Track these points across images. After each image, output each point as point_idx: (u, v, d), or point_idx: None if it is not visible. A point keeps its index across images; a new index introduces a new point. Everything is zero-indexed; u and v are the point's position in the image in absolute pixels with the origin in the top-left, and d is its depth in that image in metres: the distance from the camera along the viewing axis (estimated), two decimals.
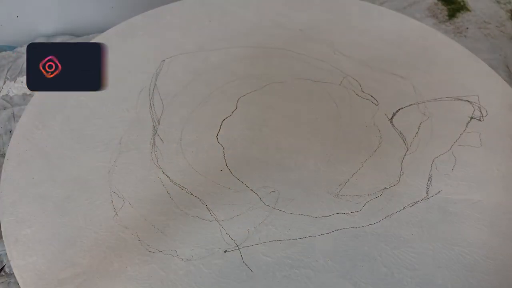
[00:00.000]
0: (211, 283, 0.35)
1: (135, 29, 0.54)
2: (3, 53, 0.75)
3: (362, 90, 0.47)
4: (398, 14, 0.57)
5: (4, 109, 0.65)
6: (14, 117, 0.62)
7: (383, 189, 0.40)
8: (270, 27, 0.54)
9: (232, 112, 0.45)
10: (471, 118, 0.44)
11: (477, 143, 0.43)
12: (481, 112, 0.44)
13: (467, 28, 0.72)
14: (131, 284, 0.34)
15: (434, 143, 0.43)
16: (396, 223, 0.38)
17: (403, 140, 0.43)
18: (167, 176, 0.40)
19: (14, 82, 0.68)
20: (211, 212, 0.38)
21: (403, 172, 0.42)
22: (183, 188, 0.39)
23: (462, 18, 0.72)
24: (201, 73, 0.48)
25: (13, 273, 0.35)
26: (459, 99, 0.46)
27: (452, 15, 0.71)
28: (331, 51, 0.52)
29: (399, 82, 0.50)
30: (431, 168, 0.41)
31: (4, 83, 0.69)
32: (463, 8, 0.73)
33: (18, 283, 0.34)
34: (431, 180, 0.41)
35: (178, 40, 0.52)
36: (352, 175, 0.41)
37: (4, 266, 0.45)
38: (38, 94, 0.46)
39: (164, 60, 0.49)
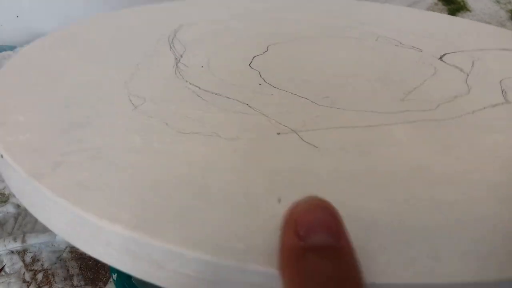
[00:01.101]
0: (266, 158, 0.37)
1: None
2: (3, 53, 1.02)
3: (401, 44, 0.68)
4: None
5: None
6: None
7: (454, 97, 0.50)
8: None
9: (263, 53, 0.60)
10: None
11: None
12: None
13: None
14: (160, 158, 0.36)
15: (489, 79, 0.58)
16: (480, 122, 0.46)
17: (461, 70, 0.57)
18: (196, 86, 0.52)
19: None
20: (254, 109, 0.49)
21: (471, 87, 0.54)
22: (218, 94, 0.51)
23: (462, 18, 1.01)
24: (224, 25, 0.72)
25: (13, 273, 0.44)
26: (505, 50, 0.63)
27: (452, 14, 1.00)
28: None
29: (435, 42, 0.69)
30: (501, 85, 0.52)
31: None
32: (463, 8, 1.03)
33: (18, 283, 0.42)
34: (505, 94, 0.50)
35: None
36: (415, 88, 0.53)
37: (4, 266, 0.52)
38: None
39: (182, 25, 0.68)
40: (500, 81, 0.55)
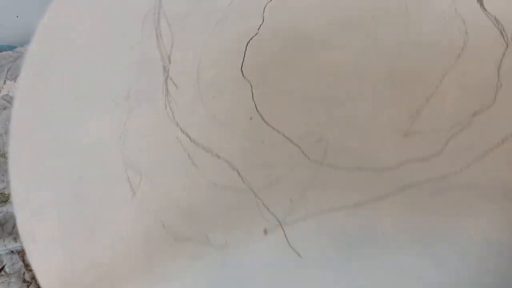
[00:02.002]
0: (252, 275, 0.42)
1: None
2: (3, 53, 1.05)
3: None
4: None
5: (4, 109, 0.91)
6: None
7: (473, 115, 0.44)
8: None
9: (258, 29, 0.54)
10: None
11: None
12: None
13: None
14: (160, 285, 0.44)
15: None
16: (492, 166, 0.42)
17: (501, 31, 0.45)
18: (187, 134, 0.48)
19: (14, 82, 0.95)
20: (243, 179, 0.45)
21: (501, 84, 0.45)
22: (207, 150, 0.47)
23: None
24: None
25: (13, 273, 0.49)
26: None
27: None
28: None
29: None
30: None
31: (4, 83, 0.98)
32: None
33: (18, 283, 0.47)
34: None
35: None
36: (428, 98, 0.46)
37: (4, 266, 0.58)
38: (36, 43, 0.62)
39: None
40: None
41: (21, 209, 0.51)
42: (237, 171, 0.44)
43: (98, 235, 0.46)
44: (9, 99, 0.95)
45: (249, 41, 0.50)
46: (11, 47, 1.05)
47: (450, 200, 0.41)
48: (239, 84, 0.48)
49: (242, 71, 0.49)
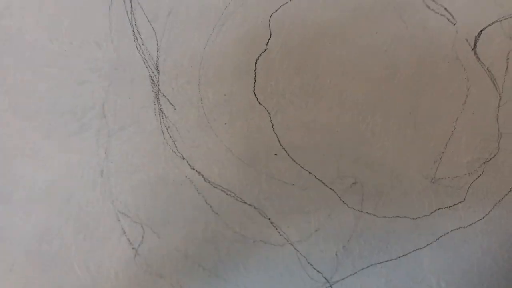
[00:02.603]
0: None
1: None
2: None
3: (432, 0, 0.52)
4: None
5: None
6: None
7: (484, 163, 0.48)
8: None
9: (267, 43, 0.48)
10: None
11: None
12: None
13: None
14: None
15: None
16: (506, 213, 0.47)
17: (493, 83, 0.51)
18: (199, 172, 0.39)
19: None
20: (279, 230, 0.39)
21: (501, 134, 0.50)
22: (229, 193, 0.39)
23: None
24: None
25: None
26: None
27: None
28: None
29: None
30: None
31: None
32: None
33: None
34: None
35: None
36: (447, 143, 0.49)
37: None
38: None
39: None
40: None
41: None
42: (270, 220, 0.38)
43: None
44: None
45: (258, 58, 0.42)
46: None
47: (477, 245, 0.46)
48: (254, 111, 0.42)
49: (255, 94, 0.41)
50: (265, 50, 0.46)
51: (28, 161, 0.38)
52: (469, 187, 0.46)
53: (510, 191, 0.47)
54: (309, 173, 0.43)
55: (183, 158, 0.40)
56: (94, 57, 0.41)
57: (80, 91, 0.40)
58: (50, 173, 0.37)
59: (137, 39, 0.43)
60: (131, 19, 0.43)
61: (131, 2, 0.44)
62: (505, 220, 0.45)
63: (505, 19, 0.55)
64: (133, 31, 0.43)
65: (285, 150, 0.43)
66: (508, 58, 0.52)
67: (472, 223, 0.45)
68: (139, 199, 0.38)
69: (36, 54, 0.40)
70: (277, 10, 0.48)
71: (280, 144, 0.43)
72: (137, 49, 0.42)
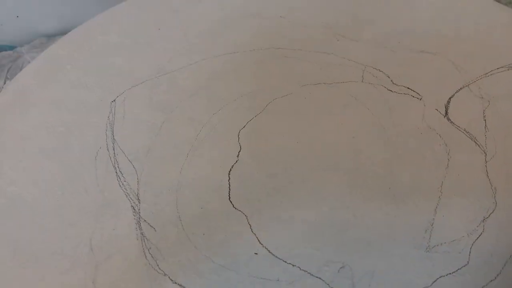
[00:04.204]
0: None
1: (59, 60, 0.65)
2: (3, 52, 1.09)
3: (393, 83, 0.55)
4: None
5: None
6: None
7: (483, 221, 0.48)
8: (241, 18, 0.68)
9: (238, 155, 0.54)
10: None
11: None
12: None
13: None
14: None
15: None
16: None
17: (474, 141, 0.55)
18: (180, 285, 0.42)
19: None
20: None
21: (495, 189, 0.51)
22: None
23: None
24: (173, 108, 0.60)
25: None
26: None
27: None
28: (331, 37, 0.60)
29: (434, 61, 0.63)
30: None
31: (5, 83, 0.99)
32: None
33: None
34: None
35: (123, 66, 0.63)
36: (435, 208, 0.49)
37: None
38: None
39: (114, 100, 0.55)
40: None
41: None
42: None
43: None
44: None
45: (230, 169, 0.46)
46: (11, 47, 1.11)
47: None
48: (231, 217, 0.45)
49: (231, 202, 0.44)
50: (236, 161, 0.51)
51: None
52: (470, 248, 0.44)
53: None
54: (293, 265, 0.43)
55: (165, 274, 0.44)
56: (82, 201, 0.48)
57: (70, 232, 0.46)
58: None
59: (119, 178, 0.50)
60: (114, 162, 0.50)
61: (114, 149, 0.52)
62: None
63: (472, 82, 0.58)
64: (115, 172, 0.50)
65: (266, 248, 0.45)
66: (484, 116, 0.54)
67: (484, 286, 0.42)
68: None
69: (35, 208, 0.48)
70: (244, 126, 0.53)
71: (260, 242, 0.45)
72: (120, 186, 0.49)
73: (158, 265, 0.47)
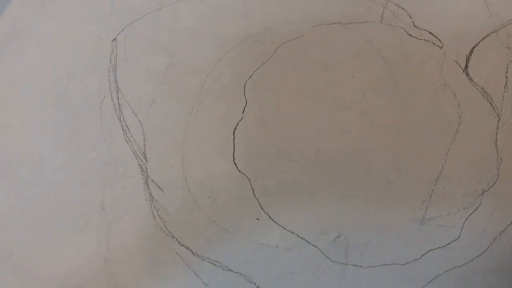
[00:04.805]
0: None
1: None
2: None
3: (415, 26, 0.51)
4: None
5: None
6: None
7: (481, 194, 0.48)
8: None
9: (243, 111, 0.53)
10: None
11: None
12: None
13: None
14: None
15: None
16: (509, 246, 0.47)
17: (490, 102, 0.51)
18: (187, 247, 0.44)
19: None
20: None
21: (501, 159, 0.49)
22: (215, 263, 0.43)
23: None
24: (176, 50, 0.56)
25: None
26: None
27: None
28: None
29: (465, 1, 0.56)
30: None
31: None
32: None
33: None
34: None
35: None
36: (436, 179, 0.49)
37: None
38: None
39: (115, 39, 0.52)
40: None
41: None
42: (256, 284, 0.41)
43: None
44: None
45: (235, 127, 0.46)
46: None
47: (478, 284, 0.41)
48: (235, 180, 0.47)
49: (235, 163, 0.45)
50: (242, 118, 0.50)
51: (43, 259, 0.46)
52: (464, 223, 0.46)
53: None
54: (292, 233, 0.46)
55: (173, 237, 0.47)
56: (91, 158, 0.49)
57: (82, 191, 0.48)
58: (63, 267, 0.46)
59: (125, 132, 0.50)
60: (120, 115, 0.50)
61: (118, 99, 0.51)
62: (509, 254, 0.45)
63: (502, 27, 0.53)
64: (121, 126, 0.50)
65: (267, 214, 0.47)
66: (507, 71, 0.51)
67: (469, 261, 0.45)
68: (137, 280, 0.45)
69: (44, 164, 0.49)
70: (251, 76, 0.51)
71: (262, 208, 0.47)
72: (127, 142, 0.50)
73: (166, 227, 0.50)
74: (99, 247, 0.49)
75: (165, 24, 0.58)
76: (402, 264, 0.48)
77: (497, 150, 0.50)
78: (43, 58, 0.57)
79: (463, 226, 0.48)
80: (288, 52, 0.55)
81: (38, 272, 0.49)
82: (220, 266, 0.50)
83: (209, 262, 0.49)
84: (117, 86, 0.55)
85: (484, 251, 0.48)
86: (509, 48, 0.54)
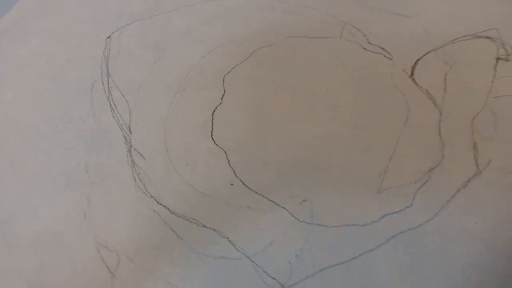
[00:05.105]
0: None
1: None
2: None
3: (369, 42, 0.61)
4: None
5: None
6: None
7: (429, 171, 0.56)
8: None
9: (222, 98, 0.62)
10: (497, 59, 0.60)
11: None
12: (505, 49, 0.60)
13: None
14: None
15: (467, 100, 0.63)
16: (454, 212, 0.54)
17: (433, 102, 0.62)
18: (164, 206, 0.48)
19: None
20: (236, 246, 0.46)
21: (444, 144, 0.58)
22: (191, 220, 0.47)
23: None
24: (165, 47, 0.61)
25: None
26: (477, 37, 0.63)
27: None
28: None
29: (408, 25, 0.70)
30: (472, 133, 0.60)
31: None
32: None
33: None
34: (477, 148, 0.59)
35: (118, 4, 0.69)
36: (390, 158, 0.58)
37: None
38: None
39: (109, 37, 0.59)
40: (472, 121, 0.59)
41: None
42: (228, 239, 0.45)
43: None
44: None
45: (214, 110, 0.52)
46: None
47: (428, 243, 0.51)
48: (213, 152, 0.52)
49: (213, 139, 0.51)
50: (220, 103, 0.57)
51: (28, 213, 0.49)
52: (415, 193, 0.52)
53: (457, 192, 0.53)
54: (263, 196, 0.51)
55: (151, 196, 0.51)
56: (79, 129, 0.54)
57: (68, 155, 0.52)
58: (46, 220, 0.49)
59: (113, 110, 0.55)
60: (109, 95, 0.56)
61: (108, 83, 0.57)
62: (455, 218, 0.51)
63: (439, 47, 0.63)
64: (109, 104, 0.55)
65: (241, 180, 0.52)
66: (445, 79, 0.61)
67: (421, 224, 0.51)
68: (115, 233, 0.48)
69: (35, 131, 0.53)
70: (229, 72, 0.59)
71: (236, 175, 0.52)
72: (113, 117, 0.55)
73: (146, 189, 0.56)
74: (80, 203, 0.52)
75: (157, 27, 0.66)
76: (362, 225, 0.53)
77: (440, 138, 0.60)
78: (45, 46, 0.64)
79: (414, 196, 0.55)
80: (262, 56, 0.65)
81: (20, 224, 0.52)
82: (195, 223, 0.53)
83: (185, 219, 0.53)
84: (108, 73, 0.61)
85: (434, 216, 0.55)
86: (446, 62, 0.66)
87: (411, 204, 0.55)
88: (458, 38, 0.67)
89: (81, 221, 0.51)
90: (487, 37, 0.67)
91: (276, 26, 0.67)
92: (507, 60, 0.66)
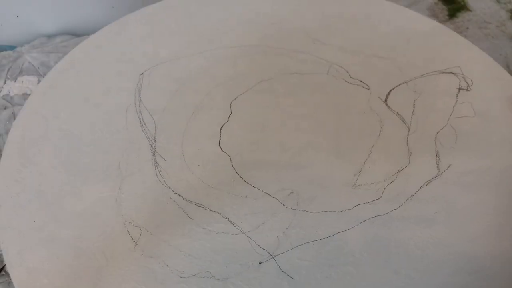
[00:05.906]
0: None
1: (99, 44, 0.84)
2: (3, 53, 1.11)
3: (350, 77, 0.77)
4: None
5: (5, 108, 0.97)
6: (15, 117, 0.93)
7: (397, 172, 0.71)
8: (241, 24, 0.93)
9: (229, 117, 0.78)
10: (459, 89, 0.74)
11: (470, 112, 0.72)
12: (466, 82, 0.73)
13: (468, 28, 1.12)
14: None
15: (432, 119, 0.78)
16: (418, 204, 0.67)
17: (402, 121, 0.74)
18: (179, 195, 0.61)
19: (15, 81, 1.03)
20: (234, 225, 0.59)
21: (411, 153, 0.73)
22: (200, 205, 0.61)
23: (463, 17, 1.15)
24: (185, 82, 0.78)
25: None
26: (443, 72, 0.77)
27: (452, 14, 1.12)
28: (309, 42, 0.82)
29: (383, 64, 0.82)
30: (435, 144, 0.68)
31: (5, 83, 1.02)
32: (463, 8, 1.14)
33: None
34: (439, 156, 0.68)
35: (150, 50, 0.87)
36: (364, 162, 0.72)
37: (4, 266, 0.63)
38: (16, 128, 0.76)
39: (142, 73, 0.76)
40: (436, 135, 0.74)
41: (16, 269, 0.59)
42: (229, 219, 0.57)
43: (102, 284, 0.53)
44: (9, 99, 0.99)
45: (222, 126, 0.67)
46: (11, 47, 1.13)
47: (394, 227, 0.58)
48: (219, 156, 0.65)
49: (220, 147, 0.64)
50: (227, 121, 0.72)
51: (72, 198, 0.63)
52: (384, 188, 0.64)
53: (421, 188, 0.65)
54: (258, 189, 0.64)
55: (169, 188, 0.65)
56: (116, 138, 0.69)
57: (104, 157, 0.67)
58: (86, 203, 0.63)
59: (142, 125, 0.71)
60: (140, 115, 0.72)
61: (139, 106, 0.73)
62: (418, 208, 0.63)
63: (410, 80, 0.78)
64: (140, 121, 0.71)
65: (240, 177, 0.65)
66: (414, 104, 0.75)
67: (389, 212, 0.63)
68: (139, 213, 0.61)
69: (82, 140, 0.69)
70: (236, 98, 0.74)
71: (237, 173, 0.65)
72: (142, 131, 0.70)
73: (165, 181, 0.69)
74: (113, 191, 0.66)
75: (180, 66, 0.84)
76: (338, 212, 0.66)
77: (408, 148, 0.73)
78: (91, 80, 0.81)
79: (383, 190, 0.68)
80: (262, 87, 0.81)
81: (66, 206, 0.66)
82: (203, 207, 0.65)
83: (195, 205, 0.66)
84: (140, 99, 0.78)
85: (399, 206, 0.66)
86: (415, 91, 0.80)
87: (381, 197, 0.67)
88: (427, 73, 0.82)
89: (113, 204, 0.65)
90: (451, 73, 0.82)
91: (274, 66, 0.83)
92: (467, 90, 0.80)
